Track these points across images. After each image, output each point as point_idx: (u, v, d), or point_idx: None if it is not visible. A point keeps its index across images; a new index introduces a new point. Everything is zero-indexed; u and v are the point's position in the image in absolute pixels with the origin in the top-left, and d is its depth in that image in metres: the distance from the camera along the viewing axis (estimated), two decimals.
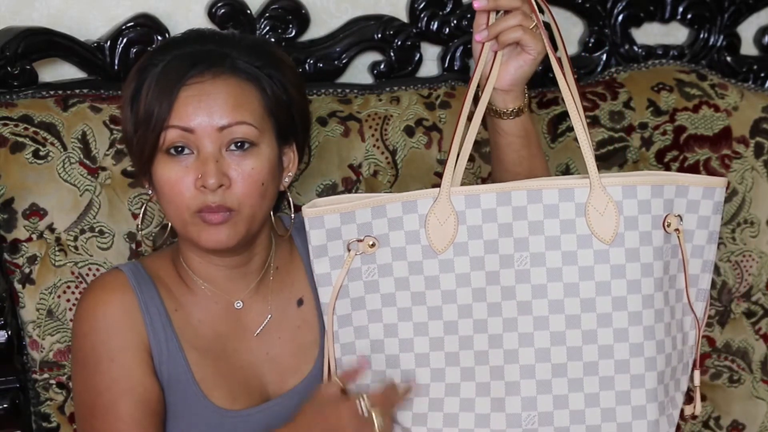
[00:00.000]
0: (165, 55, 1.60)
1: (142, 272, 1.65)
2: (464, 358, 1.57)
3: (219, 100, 1.56)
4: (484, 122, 1.64)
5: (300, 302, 1.69)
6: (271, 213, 1.64)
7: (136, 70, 1.61)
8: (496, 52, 1.62)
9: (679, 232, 1.57)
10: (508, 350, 1.55)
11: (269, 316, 1.68)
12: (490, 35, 1.62)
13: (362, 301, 1.59)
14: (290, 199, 1.67)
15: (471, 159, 1.98)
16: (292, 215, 1.68)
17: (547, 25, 1.66)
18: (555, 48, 1.64)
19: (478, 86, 1.63)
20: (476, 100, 1.63)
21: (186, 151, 1.56)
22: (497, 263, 1.55)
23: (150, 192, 1.64)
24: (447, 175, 1.58)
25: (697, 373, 1.65)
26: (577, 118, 1.58)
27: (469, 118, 1.60)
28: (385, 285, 1.59)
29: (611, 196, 1.54)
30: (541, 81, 2.05)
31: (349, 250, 1.58)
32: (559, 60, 1.60)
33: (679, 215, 1.57)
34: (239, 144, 1.56)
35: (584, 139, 1.57)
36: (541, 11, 1.63)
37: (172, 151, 1.56)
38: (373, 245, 1.58)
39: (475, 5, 1.62)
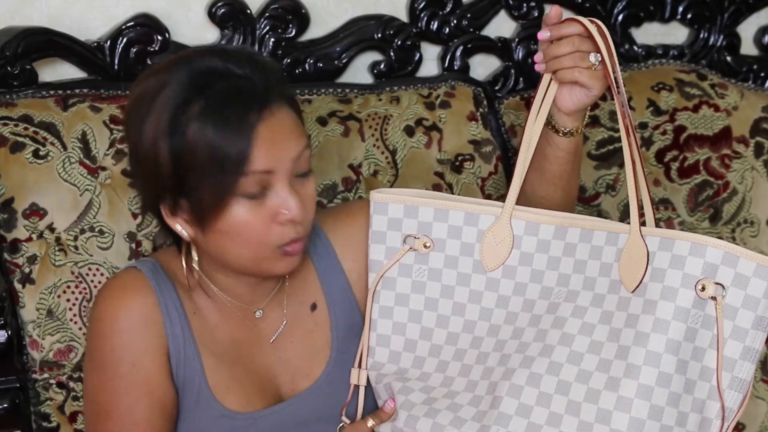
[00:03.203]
0: (202, 90, 1.50)
1: (161, 272, 1.63)
2: (474, 371, 1.58)
3: (286, 132, 1.53)
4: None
5: (313, 307, 1.69)
6: None
7: (170, 104, 1.50)
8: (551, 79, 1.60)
9: (716, 302, 1.47)
10: (509, 368, 1.55)
11: (284, 321, 1.67)
12: (547, 70, 1.59)
13: (407, 299, 1.62)
14: None
15: (471, 159, 1.99)
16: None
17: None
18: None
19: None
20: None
21: (264, 190, 1.53)
22: (537, 293, 1.56)
23: (184, 232, 1.57)
24: (510, 197, 1.58)
25: None
26: (630, 164, 1.53)
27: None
28: (432, 289, 1.61)
29: (646, 245, 1.50)
30: None
31: (404, 243, 1.61)
32: (621, 107, 1.55)
33: (721, 284, 1.47)
34: (305, 169, 1.55)
35: (632, 184, 1.52)
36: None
37: (253, 193, 1.51)
38: (428, 246, 1.60)
39: (540, 36, 1.59)
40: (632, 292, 1.50)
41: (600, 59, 1.56)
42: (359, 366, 1.65)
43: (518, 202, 1.59)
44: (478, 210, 1.59)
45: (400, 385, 1.61)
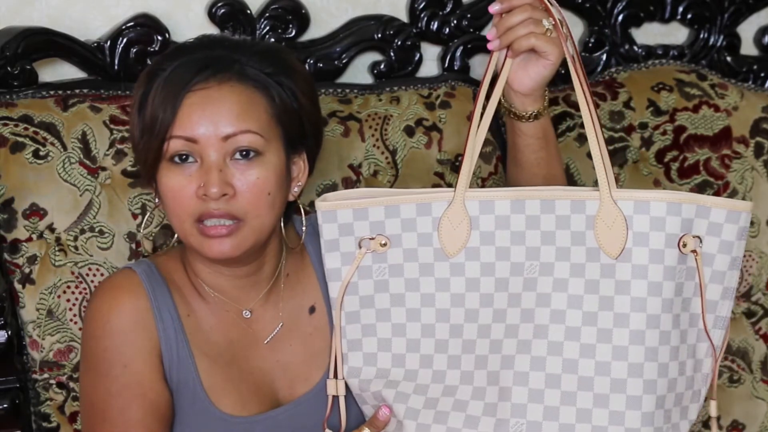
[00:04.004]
0: (174, 60, 1.57)
1: (156, 273, 1.63)
2: (465, 361, 1.57)
3: (224, 108, 1.54)
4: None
5: (312, 310, 1.69)
6: (282, 222, 1.63)
7: (145, 74, 1.59)
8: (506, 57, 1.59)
9: (696, 254, 1.52)
10: (506, 356, 1.55)
11: (280, 324, 1.67)
12: (502, 45, 1.58)
13: (371, 299, 1.59)
14: (300, 208, 1.65)
15: None
16: (304, 224, 1.67)
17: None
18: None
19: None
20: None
21: (190, 159, 1.55)
22: (507, 270, 1.55)
23: (156, 200, 1.63)
24: (462, 180, 1.56)
25: (714, 403, 1.60)
26: (591, 128, 1.54)
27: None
28: (395, 285, 1.58)
29: (621, 210, 1.51)
30: None
31: (360, 247, 1.58)
32: (575, 65, 1.56)
33: (698, 237, 1.52)
34: (244, 153, 1.54)
35: (597, 150, 1.54)
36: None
37: (176, 159, 1.55)
38: (384, 245, 1.57)
39: (491, 9, 1.59)
40: (616, 258, 1.51)
41: (553, 23, 1.56)
42: (335, 376, 1.62)
43: None
44: (428, 199, 1.57)
45: (392, 393, 1.60)
